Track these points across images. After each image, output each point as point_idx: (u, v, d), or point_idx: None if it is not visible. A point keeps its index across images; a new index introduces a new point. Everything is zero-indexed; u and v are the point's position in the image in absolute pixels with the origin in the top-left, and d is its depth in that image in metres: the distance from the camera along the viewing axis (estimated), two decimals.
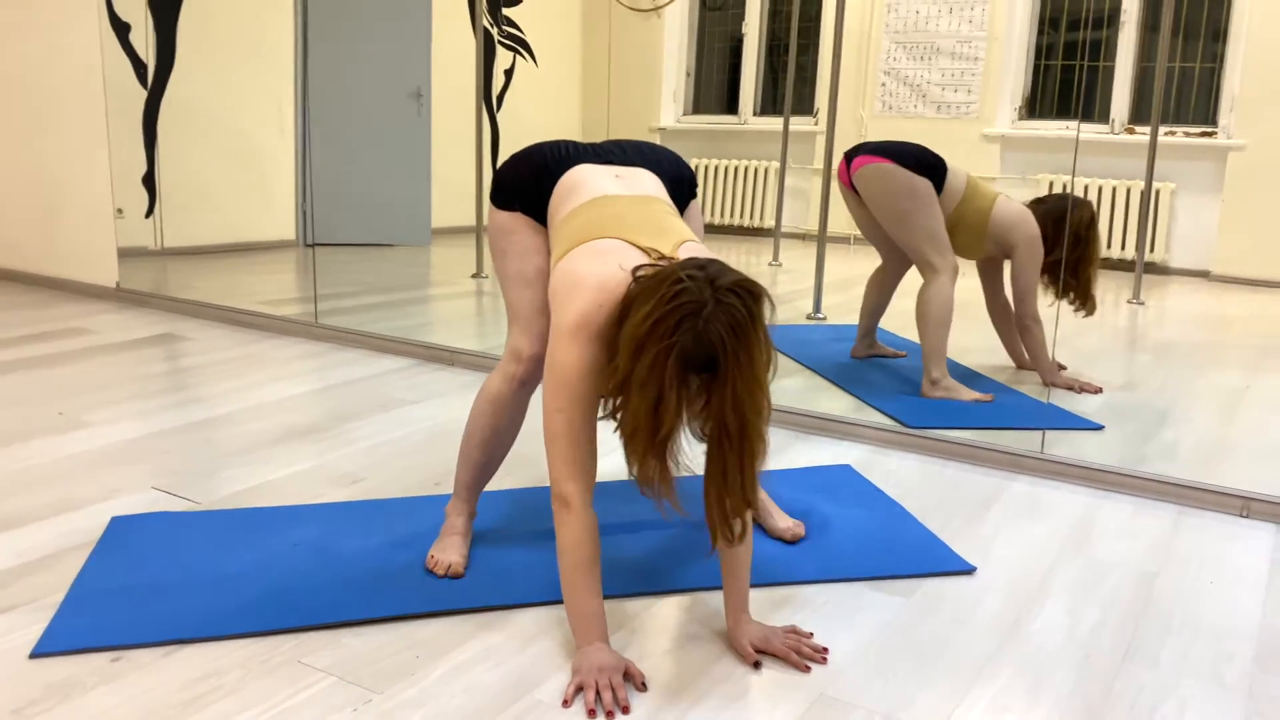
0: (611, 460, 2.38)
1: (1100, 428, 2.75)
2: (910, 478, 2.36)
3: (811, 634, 1.60)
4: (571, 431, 1.52)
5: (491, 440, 1.86)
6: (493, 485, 2.23)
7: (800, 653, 1.54)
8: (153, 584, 1.71)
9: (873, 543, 1.96)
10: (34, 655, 1.50)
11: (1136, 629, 1.68)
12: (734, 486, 1.41)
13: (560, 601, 1.68)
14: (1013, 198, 3.15)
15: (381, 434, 2.58)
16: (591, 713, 1.38)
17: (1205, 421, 2.87)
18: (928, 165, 3.00)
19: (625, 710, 1.39)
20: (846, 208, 3.30)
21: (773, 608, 1.71)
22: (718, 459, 1.42)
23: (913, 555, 1.91)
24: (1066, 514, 2.17)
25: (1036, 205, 3.17)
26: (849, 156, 3.10)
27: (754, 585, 1.77)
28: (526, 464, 2.38)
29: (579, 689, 1.42)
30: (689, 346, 1.35)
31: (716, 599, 1.73)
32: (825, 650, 1.57)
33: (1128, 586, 1.83)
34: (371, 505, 2.10)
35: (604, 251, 1.55)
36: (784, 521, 1.98)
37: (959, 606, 1.73)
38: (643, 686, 1.46)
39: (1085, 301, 3.16)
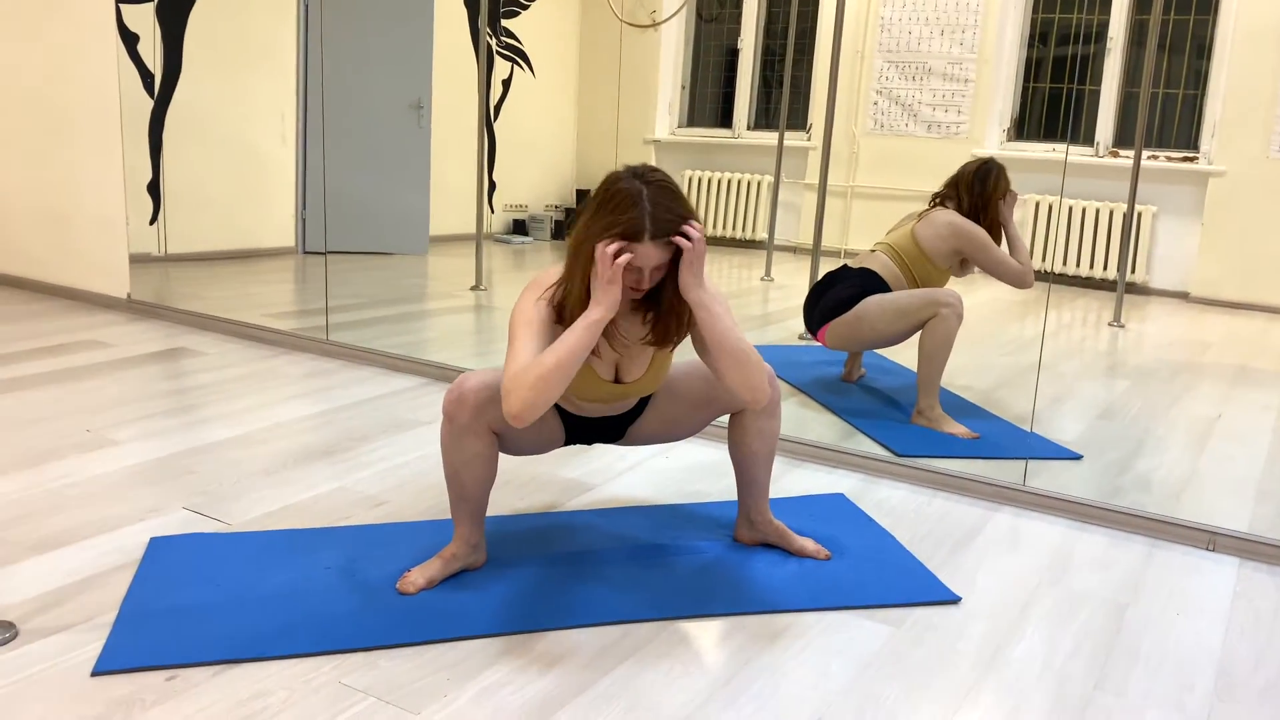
0: (652, 483, 2.52)
1: (1079, 457, 2.91)
2: (900, 507, 2.51)
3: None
4: (518, 331, 1.81)
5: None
6: (499, 509, 2.37)
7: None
8: (198, 605, 1.84)
9: (865, 572, 2.11)
10: (95, 673, 1.62)
11: (1108, 658, 1.82)
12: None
13: (578, 625, 1.82)
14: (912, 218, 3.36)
15: (398, 456, 2.70)
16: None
17: (1177, 453, 3.02)
18: (862, 291, 3.19)
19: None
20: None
21: (772, 636, 1.85)
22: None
23: (902, 585, 2.06)
24: (1046, 545, 2.32)
25: (946, 201, 3.33)
26: (810, 328, 3.36)
27: (750, 613, 1.92)
28: (541, 489, 2.51)
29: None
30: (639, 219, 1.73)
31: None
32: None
33: (1100, 617, 1.98)
34: (394, 529, 2.23)
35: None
36: (810, 544, 2.16)
37: (944, 635, 1.88)
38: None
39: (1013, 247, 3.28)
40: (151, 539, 2.12)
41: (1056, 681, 1.74)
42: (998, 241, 3.25)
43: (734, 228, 6.50)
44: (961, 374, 3.58)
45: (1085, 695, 1.70)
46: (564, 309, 1.83)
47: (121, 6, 4.79)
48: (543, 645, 1.78)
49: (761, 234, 6.33)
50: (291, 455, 2.67)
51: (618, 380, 2.00)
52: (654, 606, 1.92)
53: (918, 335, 3.11)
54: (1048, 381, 3.59)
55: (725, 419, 2.39)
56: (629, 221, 1.76)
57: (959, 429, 3.04)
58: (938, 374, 3.07)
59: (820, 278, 3.39)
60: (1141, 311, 5.26)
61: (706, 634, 1.85)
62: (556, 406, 2.08)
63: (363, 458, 2.68)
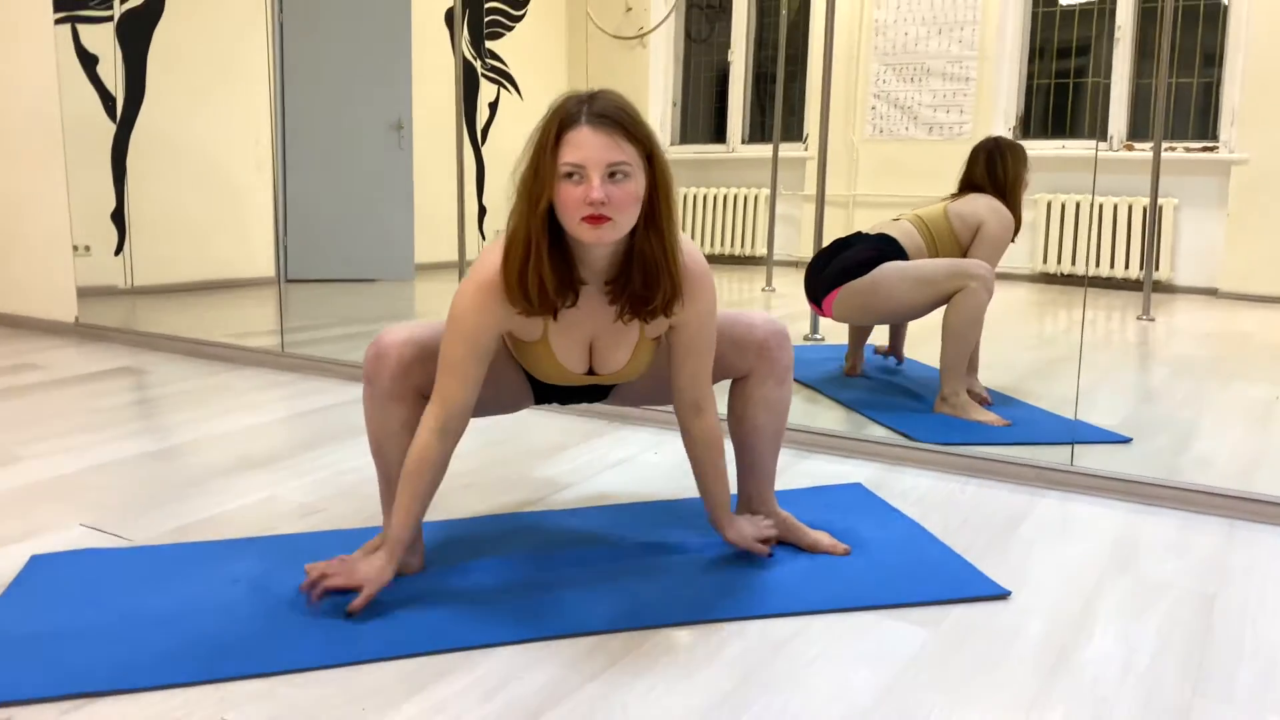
0: (641, 483, 2.16)
1: (1128, 440, 2.54)
2: (927, 496, 2.13)
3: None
4: (450, 363, 1.53)
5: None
6: (453, 513, 2.01)
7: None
8: (64, 630, 1.47)
9: (891, 567, 1.74)
10: None
11: (1204, 657, 1.45)
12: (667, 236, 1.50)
13: (535, 639, 1.46)
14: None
15: (345, 462, 2.35)
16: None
17: (1239, 432, 2.65)
18: (881, 256, 2.82)
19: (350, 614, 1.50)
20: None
21: (778, 643, 1.47)
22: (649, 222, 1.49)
23: (937, 580, 1.68)
24: (1105, 531, 1.94)
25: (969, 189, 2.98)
26: (811, 294, 2.97)
27: (751, 618, 1.55)
28: (508, 489, 2.15)
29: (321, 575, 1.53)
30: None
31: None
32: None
33: (1185, 609, 1.60)
34: (326, 537, 1.87)
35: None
36: (825, 538, 1.79)
37: (995, 636, 1.51)
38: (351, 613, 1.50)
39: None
40: (32, 557, 1.76)
41: (1144, 686, 1.37)
42: (1014, 236, 2.92)
43: (732, 244, 6.21)
44: (984, 368, 3.21)
45: (1184, 701, 1.33)
46: (524, 281, 1.48)
47: (79, 26, 4.53)
48: (491, 663, 1.41)
49: (760, 249, 6.03)
50: (221, 467, 2.32)
51: (591, 371, 1.66)
52: (632, 615, 1.55)
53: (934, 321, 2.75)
54: (1081, 371, 3.23)
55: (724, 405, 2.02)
56: (561, 108, 1.44)
57: (989, 416, 2.67)
58: (965, 355, 2.71)
59: (828, 244, 3.03)
60: (1170, 308, 4.90)
61: (697, 644, 1.48)
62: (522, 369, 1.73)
63: (302, 466, 2.32)
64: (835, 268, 2.85)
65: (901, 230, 2.90)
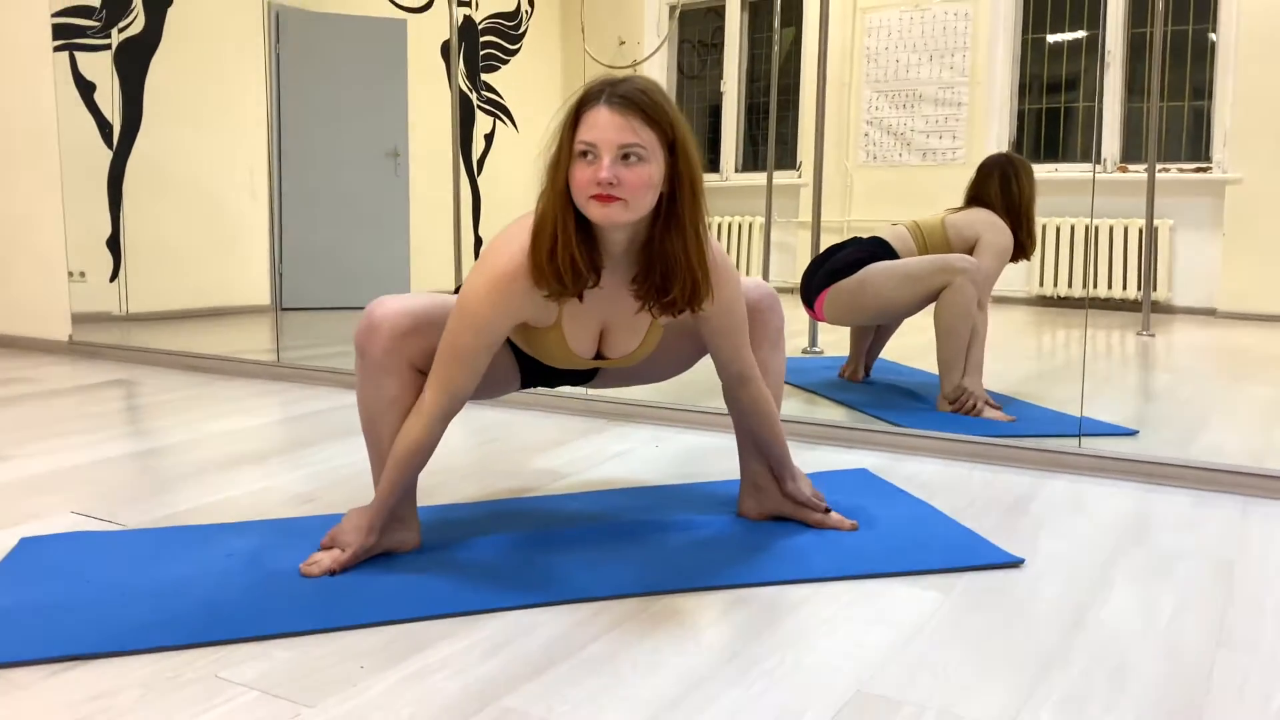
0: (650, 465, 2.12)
1: (1134, 433, 2.51)
2: (933, 480, 2.10)
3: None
4: (458, 353, 1.50)
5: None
6: (455, 497, 1.97)
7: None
8: (54, 602, 1.43)
9: (900, 538, 1.70)
10: None
11: (1224, 614, 1.41)
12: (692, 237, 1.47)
13: (537, 604, 1.42)
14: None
15: (341, 457, 2.31)
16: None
17: (1248, 425, 2.63)
18: (871, 256, 2.84)
19: (332, 573, 1.51)
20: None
21: (789, 609, 1.43)
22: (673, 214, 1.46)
23: (948, 550, 1.65)
24: (1117, 507, 1.91)
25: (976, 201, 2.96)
26: (805, 298, 2.98)
27: (761, 584, 1.51)
28: (506, 478, 2.12)
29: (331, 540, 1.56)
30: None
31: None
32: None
33: (1204, 573, 1.57)
34: (323, 520, 1.82)
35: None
36: (833, 515, 1.75)
37: (1010, 598, 1.47)
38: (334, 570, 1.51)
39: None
40: (21, 539, 1.72)
41: (1165, 640, 1.33)
42: (1028, 254, 2.91)
43: None
44: (987, 376, 3.18)
45: (1207, 652, 1.29)
46: (555, 260, 1.44)
47: (77, 54, 4.55)
48: (493, 626, 1.37)
49: (755, 275, 6.00)
50: (215, 462, 2.28)
51: (599, 355, 1.64)
52: (637, 581, 1.51)
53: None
54: (1085, 377, 3.20)
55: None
56: (587, 89, 1.43)
57: (994, 413, 2.65)
58: (960, 351, 2.69)
59: (823, 249, 3.03)
60: (1168, 326, 4.88)
61: (704, 608, 1.43)
62: (513, 348, 1.70)
63: (297, 460, 2.28)
64: (826, 269, 2.88)
65: (895, 234, 2.91)
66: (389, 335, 1.55)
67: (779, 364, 1.75)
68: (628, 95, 1.41)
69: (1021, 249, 2.89)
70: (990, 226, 2.85)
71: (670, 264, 1.48)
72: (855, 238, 2.96)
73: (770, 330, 1.72)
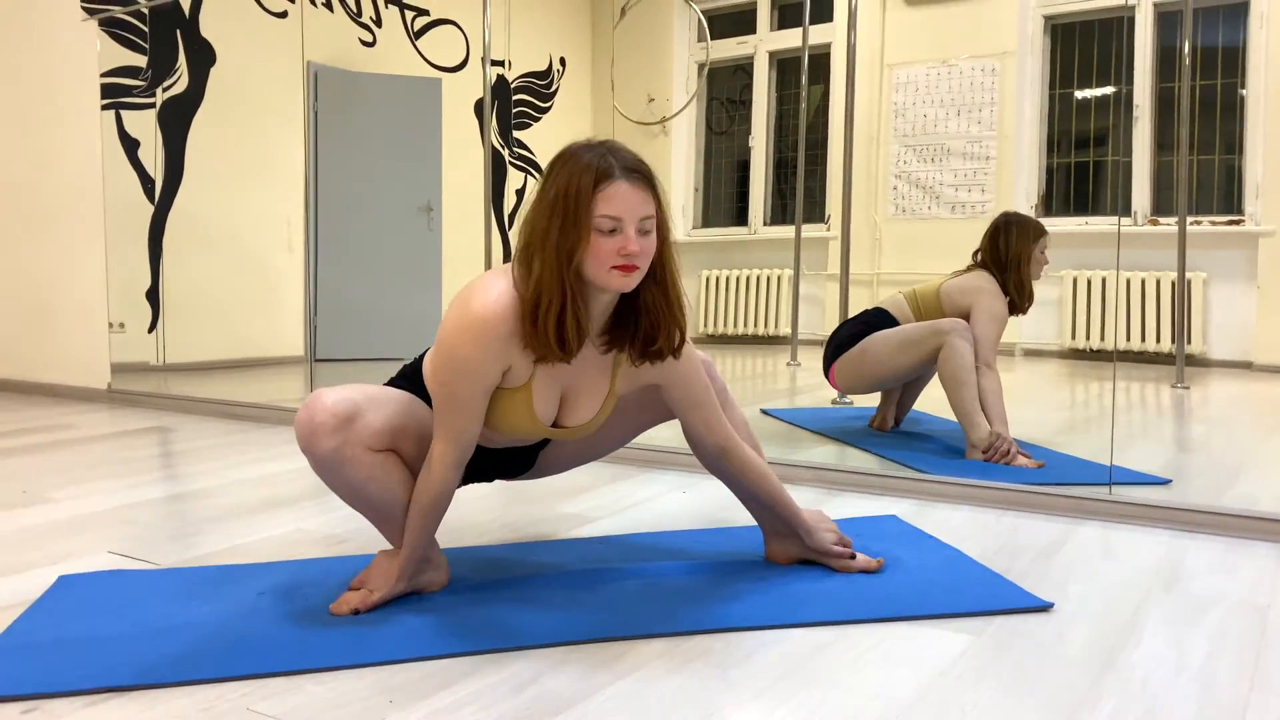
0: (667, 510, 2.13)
1: (1167, 482, 2.49)
2: (963, 527, 2.09)
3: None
4: (456, 401, 1.52)
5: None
6: (484, 539, 1.99)
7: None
8: (91, 636, 1.46)
9: (929, 582, 1.69)
10: None
11: (1259, 659, 1.39)
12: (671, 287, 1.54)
13: (565, 642, 1.43)
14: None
15: None
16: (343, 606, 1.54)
17: None
18: (869, 327, 2.98)
19: (356, 612, 1.54)
20: None
21: (817, 649, 1.43)
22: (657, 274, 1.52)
23: (977, 593, 1.64)
24: (1148, 553, 1.89)
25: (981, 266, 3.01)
26: (825, 368, 3.13)
27: (790, 626, 1.51)
28: (529, 525, 2.13)
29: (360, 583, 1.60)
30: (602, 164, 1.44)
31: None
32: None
33: (1237, 618, 1.55)
34: (354, 560, 1.84)
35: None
36: (860, 558, 1.76)
37: (1040, 642, 1.46)
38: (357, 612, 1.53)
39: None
40: (60, 577, 1.75)
41: (1198, 684, 1.31)
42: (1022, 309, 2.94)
43: (754, 324, 6.22)
44: (1014, 424, 3.17)
45: (1240, 696, 1.27)
46: (563, 331, 1.47)
47: (123, 112, 4.69)
48: (520, 664, 1.38)
49: (784, 329, 6.03)
50: (249, 505, 2.31)
51: (556, 424, 1.63)
52: (665, 622, 1.52)
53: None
54: (1116, 428, 3.17)
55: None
56: (591, 162, 1.45)
57: (1022, 460, 2.64)
58: (972, 399, 2.73)
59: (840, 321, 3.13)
60: (1204, 379, 4.83)
61: (731, 648, 1.44)
62: None
63: (331, 504, 2.31)
64: (834, 342, 3.06)
65: (893, 303, 3.06)
66: (331, 429, 1.50)
67: (739, 417, 1.80)
68: (638, 169, 1.47)
69: (1014, 305, 2.93)
70: (980, 292, 2.91)
71: (656, 316, 1.54)
72: (864, 310, 3.12)
73: (718, 387, 1.76)
